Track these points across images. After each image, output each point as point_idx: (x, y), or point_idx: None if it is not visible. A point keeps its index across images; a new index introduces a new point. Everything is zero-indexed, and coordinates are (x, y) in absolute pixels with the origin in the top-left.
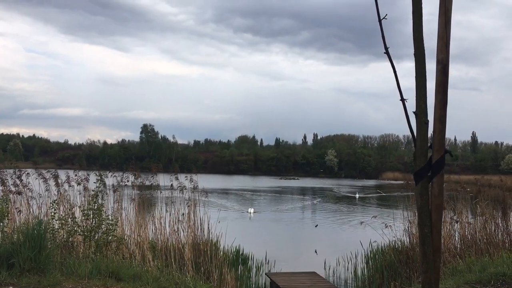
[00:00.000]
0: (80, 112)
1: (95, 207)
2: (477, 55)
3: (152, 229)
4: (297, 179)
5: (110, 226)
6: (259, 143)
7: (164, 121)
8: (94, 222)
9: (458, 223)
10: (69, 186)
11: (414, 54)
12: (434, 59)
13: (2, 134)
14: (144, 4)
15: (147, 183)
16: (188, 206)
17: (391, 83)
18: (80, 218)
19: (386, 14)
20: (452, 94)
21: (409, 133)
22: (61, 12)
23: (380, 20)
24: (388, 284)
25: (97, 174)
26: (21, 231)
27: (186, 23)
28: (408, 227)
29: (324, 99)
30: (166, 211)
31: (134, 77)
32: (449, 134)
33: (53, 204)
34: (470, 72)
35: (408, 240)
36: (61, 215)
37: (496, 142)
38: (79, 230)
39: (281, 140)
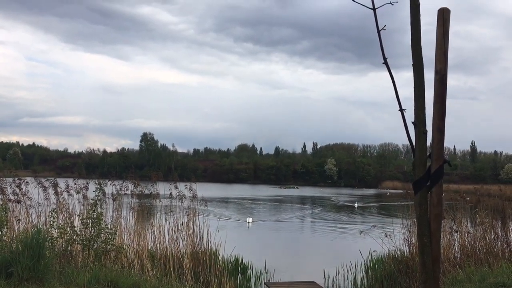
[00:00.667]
0: (79, 121)
1: (94, 216)
2: (475, 65)
3: (151, 238)
4: (297, 188)
5: (109, 235)
6: (258, 151)
7: (163, 129)
8: (93, 231)
9: (458, 232)
10: (68, 194)
11: (412, 64)
12: (433, 69)
13: (2, 142)
14: (145, 14)
15: (147, 191)
16: (188, 215)
17: (390, 92)
18: (79, 227)
19: (385, 25)
20: (450, 103)
21: (408, 142)
22: (62, 21)
23: (379, 31)
24: None
25: (97, 182)
26: (20, 240)
27: (187, 32)
28: (407, 237)
29: (323, 108)
30: (165, 220)
31: (135, 86)
32: (448, 143)
33: (52, 213)
34: (468, 82)
35: (407, 249)
36: (60, 224)
37: (495, 151)
38: (78, 239)
39: (280, 149)
